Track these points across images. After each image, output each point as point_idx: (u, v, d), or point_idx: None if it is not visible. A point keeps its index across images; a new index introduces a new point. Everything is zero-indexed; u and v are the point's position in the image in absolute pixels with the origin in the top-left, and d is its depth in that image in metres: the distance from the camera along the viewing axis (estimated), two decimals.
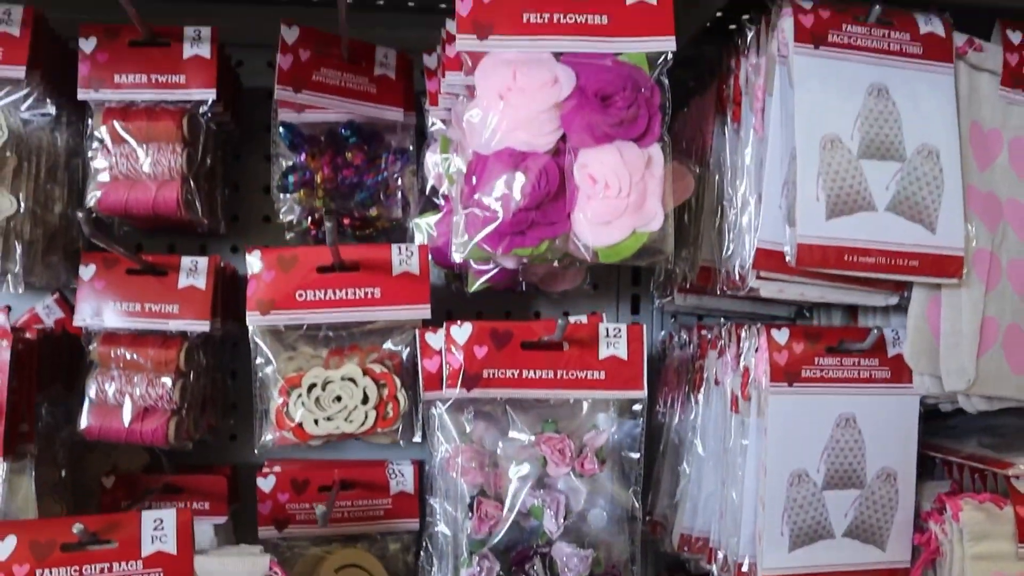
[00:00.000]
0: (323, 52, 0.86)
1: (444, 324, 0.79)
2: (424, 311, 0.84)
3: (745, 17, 0.84)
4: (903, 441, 0.82)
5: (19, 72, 0.78)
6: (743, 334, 0.85)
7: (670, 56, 0.74)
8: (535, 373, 0.79)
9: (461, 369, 0.78)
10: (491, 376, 0.78)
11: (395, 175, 0.89)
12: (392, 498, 0.94)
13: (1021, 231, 0.82)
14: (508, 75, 0.71)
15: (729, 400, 0.86)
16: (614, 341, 0.80)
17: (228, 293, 0.88)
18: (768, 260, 0.79)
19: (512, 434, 0.79)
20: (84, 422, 0.81)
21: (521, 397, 0.79)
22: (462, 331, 0.78)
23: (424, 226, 0.90)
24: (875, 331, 0.79)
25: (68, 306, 0.93)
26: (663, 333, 1.07)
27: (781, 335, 0.81)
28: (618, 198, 0.70)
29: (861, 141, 0.78)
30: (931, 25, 0.81)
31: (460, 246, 0.71)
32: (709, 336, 0.92)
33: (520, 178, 0.70)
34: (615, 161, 0.70)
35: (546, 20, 0.74)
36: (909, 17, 0.81)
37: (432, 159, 0.88)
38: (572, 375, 0.79)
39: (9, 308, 0.94)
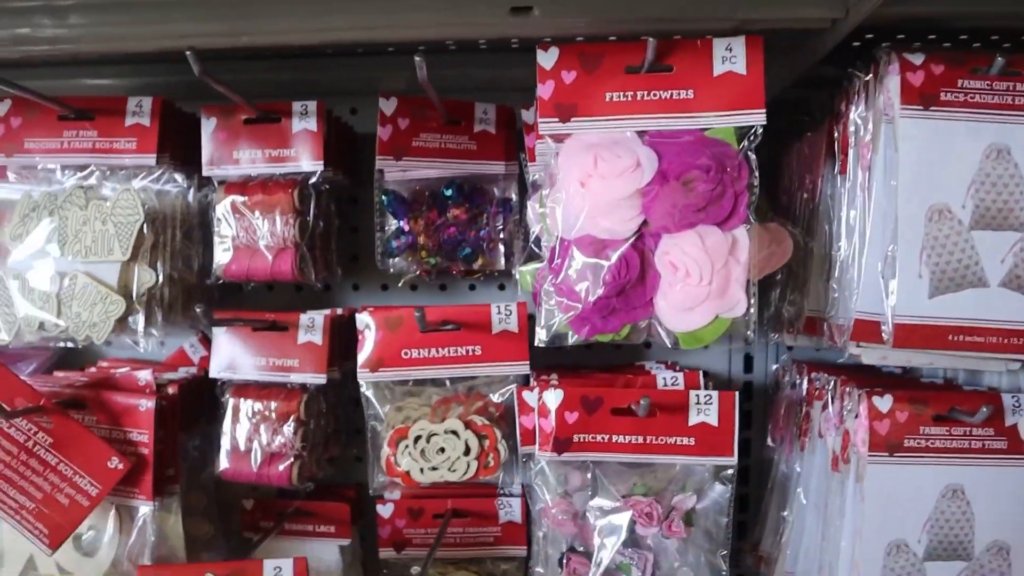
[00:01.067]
0: (421, 117, 0.89)
1: (538, 388, 0.82)
2: (523, 367, 0.87)
3: (850, 70, 0.79)
4: (1019, 513, 0.79)
5: (151, 160, 0.86)
6: (847, 392, 0.83)
7: (759, 131, 0.71)
8: (624, 438, 0.81)
9: (552, 434, 0.81)
10: (581, 440, 0.81)
11: (498, 227, 0.92)
12: (501, 527, 0.99)
13: None
14: (589, 161, 0.71)
15: (830, 458, 0.85)
16: (705, 408, 0.80)
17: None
18: (867, 331, 0.76)
19: (601, 495, 0.82)
20: (220, 465, 0.91)
21: (610, 461, 0.81)
22: (554, 397, 0.81)
23: (528, 274, 0.93)
24: (985, 408, 0.75)
25: (209, 344, 1.03)
26: (776, 366, 1.05)
27: (883, 402, 0.78)
28: (699, 286, 0.70)
29: (975, 210, 0.72)
30: None
31: (544, 330, 0.74)
32: (817, 384, 0.90)
33: (602, 265, 0.71)
34: (696, 248, 0.70)
35: (630, 98, 0.73)
36: None
37: (533, 210, 0.90)
38: (661, 441, 0.80)
39: (163, 343, 1.05)
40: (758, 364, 1.07)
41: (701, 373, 0.84)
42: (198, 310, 0.79)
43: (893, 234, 0.73)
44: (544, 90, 0.73)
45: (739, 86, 0.72)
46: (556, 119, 0.73)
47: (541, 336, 0.73)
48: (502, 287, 1.03)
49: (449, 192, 0.90)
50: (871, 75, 0.77)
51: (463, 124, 0.91)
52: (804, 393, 0.93)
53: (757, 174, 0.71)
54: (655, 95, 0.73)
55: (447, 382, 0.90)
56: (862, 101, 0.78)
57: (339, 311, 0.96)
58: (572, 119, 0.73)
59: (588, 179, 0.72)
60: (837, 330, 0.80)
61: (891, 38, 0.90)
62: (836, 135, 0.84)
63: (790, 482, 0.95)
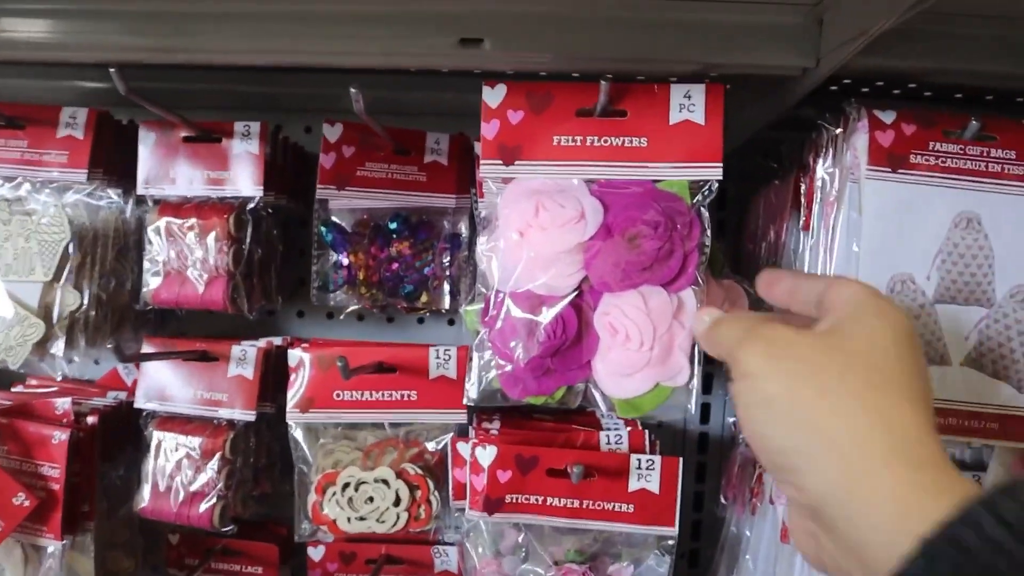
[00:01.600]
0: (369, 145, 0.84)
1: (472, 442, 0.77)
2: (460, 416, 0.82)
3: (819, 121, 0.75)
4: None
5: (81, 175, 0.82)
6: None
7: (715, 187, 0.67)
8: (559, 501, 0.76)
9: (483, 492, 0.76)
10: (514, 501, 0.76)
11: (445, 263, 0.87)
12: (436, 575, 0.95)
13: None
14: (530, 210, 0.67)
15: (779, 528, 0.80)
16: (646, 474, 0.75)
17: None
18: None
19: (532, 560, 0.77)
20: (140, 503, 0.86)
21: (544, 524, 0.77)
22: (487, 454, 0.76)
23: (474, 314, 0.88)
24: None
25: None
26: (733, 419, 1.00)
27: (887, 115, 0.68)
28: (639, 351, 0.65)
29: (940, 282, 0.68)
30: None
31: (473, 387, 0.69)
32: None
33: (537, 323, 0.66)
34: (638, 310, 0.65)
35: (578, 143, 0.68)
36: (1019, 129, 0.69)
37: (482, 246, 0.85)
38: (599, 506, 0.75)
39: (97, 362, 1.01)
40: (715, 414, 1.02)
41: (647, 434, 0.79)
42: (109, 346, 0.74)
43: None
44: (488, 129, 0.68)
45: (696, 137, 0.67)
46: (499, 161, 0.68)
47: (470, 393, 0.69)
48: (451, 322, 0.99)
49: (394, 225, 0.85)
50: (841, 128, 0.72)
51: (413, 154, 0.86)
52: None
53: (709, 232, 0.66)
54: (606, 141, 0.68)
55: (385, 425, 0.85)
56: (830, 155, 0.73)
57: (277, 341, 0.92)
58: (516, 162, 0.68)
59: (528, 229, 0.67)
60: None
61: (870, 84, 0.85)
62: (802, 188, 0.79)
63: (740, 545, 0.90)
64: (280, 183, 0.87)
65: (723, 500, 0.98)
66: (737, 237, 1.00)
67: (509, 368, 0.67)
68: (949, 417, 0.68)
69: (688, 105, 0.68)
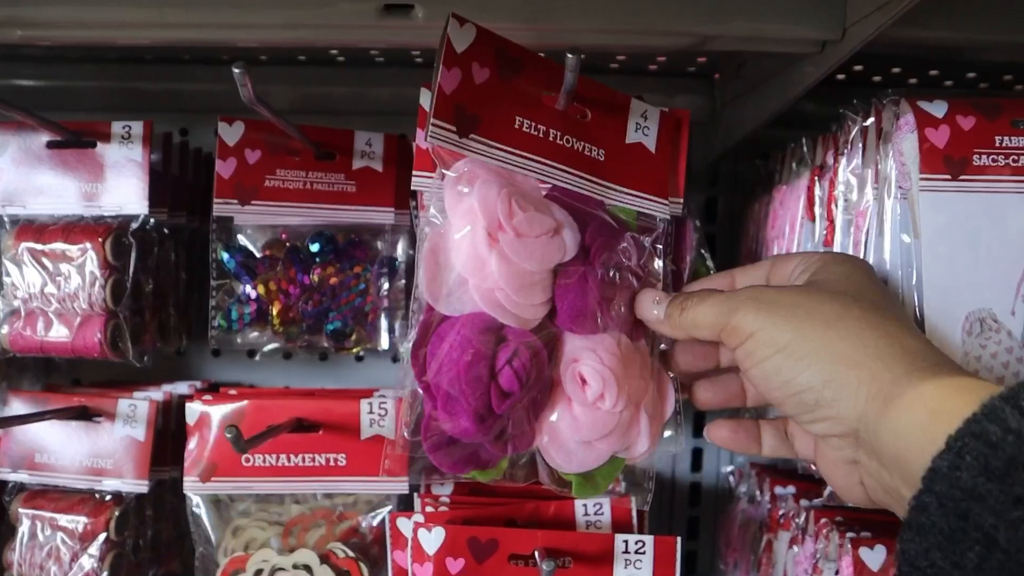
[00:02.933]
0: (280, 148, 0.68)
1: (413, 523, 0.61)
2: (399, 486, 0.66)
3: (842, 110, 0.59)
4: None
5: None
6: (824, 533, 0.63)
7: (664, 227, 0.52)
8: None
9: None
10: None
11: (381, 293, 0.71)
12: None
13: None
14: (503, 205, 0.49)
15: None
16: (635, 559, 0.59)
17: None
18: None
19: None
20: None
21: None
22: (432, 538, 0.60)
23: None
24: None
25: None
26: (730, 468, 0.85)
27: (936, 107, 0.53)
28: (612, 411, 0.49)
29: None
30: None
31: (402, 445, 0.52)
32: (782, 509, 0.70)
33: (496, 365, 0.49)
34: (613, 359, 0.49)
35: (541, 134, 0.52)
36: None
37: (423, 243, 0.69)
38: None
39: None
40: (708, 461, 0.87)
41: (633, 503, 0.63)
42: None
43: None
44: (448, 80, 0.50)
45: (646, 165, 0.52)
46: (453, 127, 0.51)
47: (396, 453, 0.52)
48: (396, 359, 0.82)
49: (315, 247, 0.69)
50: (872, 119, 0.56)
51: (339, 158, 0.69)
52: (766, 514, 0.73)
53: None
54: (567, 141, 0.52)
55: (317, 494, 0.69)
56: (857, 153, 0.58)
57: (183, 388, 0.75)
58: (472, 136, 0.51)
59: (499, 231, 0.49)
60: None
61: (884, 72, 0.71)
62: (818, 194, 0.64)
63: None
64: (177, 197, 0.71)
65: (722, 566, 0.83)
66: (731, 255, 0.85)
67: (449, 426, 0.51)
68: None
69: (643, 127, 0.53)
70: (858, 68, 0.72)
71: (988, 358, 0.51)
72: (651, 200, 0.54)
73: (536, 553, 0.59)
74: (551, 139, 0.52)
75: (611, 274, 0.49)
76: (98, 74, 0.80)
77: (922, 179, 0.52)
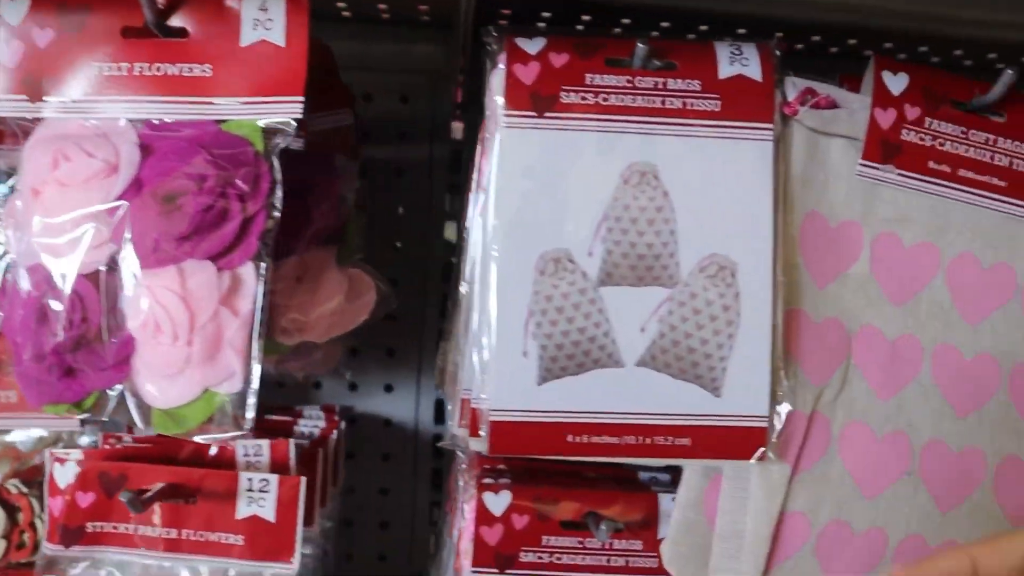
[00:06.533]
0: None
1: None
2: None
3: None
4: (748, 214, 0.52)
5: None
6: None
7: (293, 127, 0.50)
8: (156, 532, 0.59)
9: (60, 520, 0.59)
10: (97, 530, 0.59)
11: None
12: None
13: (877, 377, 0.55)
14: (48, 161, 0.49)
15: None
16: (259, 497, 0.59)
17: None
18: (474, 419, 0.54)
19: None
20: None
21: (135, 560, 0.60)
22: (65, 472, 0.59)
23: None
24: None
25: None
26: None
27: (533, 44, 0.52)
28: (174, 346, 0.48)
29: (607, 258, 0.51)
30: (741, 64, 0.52)
31: None
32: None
33: (51, 309, 0.49)
34: (171, 293, 0.48)
35: (124, 72, 0.50)
36: (706, 52, 0.52)
37: None
38: (201, 537, 0.59)
39: None
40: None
41: (292, 445, 0.62)
42: None
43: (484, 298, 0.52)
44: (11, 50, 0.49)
45: (274, 63, 0.50)
46: (23, 96, 0.50)
47: None
48: None
49: None
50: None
51: None
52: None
53: (280, 191, 0.49)
54: (159, 69, 0.50)
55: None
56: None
57: None
58: (46, 96, 0.50)
59: (44, 186, 0.49)
60: (461, 404, 0.59)
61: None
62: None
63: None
64: None
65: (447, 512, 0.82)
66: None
67: (23, 366, 0.50)
68: (626, 436, 0.52)
69: (264, 21, 0.51)
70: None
71: (559, 298, 0.51)
72: (276, 103, 0.50)
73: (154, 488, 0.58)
74: (137, 73, 0.50)
75: (170, 201, 0.48)
76: None
77: (507, 115, 0.50)
